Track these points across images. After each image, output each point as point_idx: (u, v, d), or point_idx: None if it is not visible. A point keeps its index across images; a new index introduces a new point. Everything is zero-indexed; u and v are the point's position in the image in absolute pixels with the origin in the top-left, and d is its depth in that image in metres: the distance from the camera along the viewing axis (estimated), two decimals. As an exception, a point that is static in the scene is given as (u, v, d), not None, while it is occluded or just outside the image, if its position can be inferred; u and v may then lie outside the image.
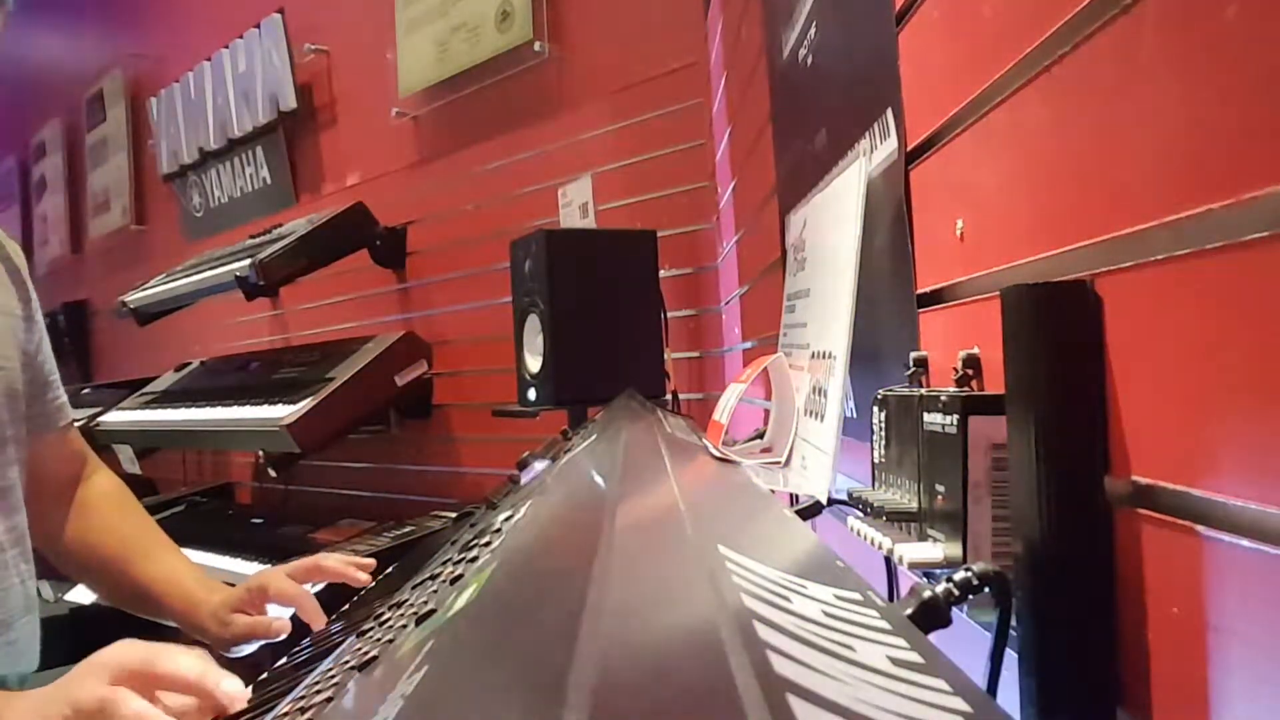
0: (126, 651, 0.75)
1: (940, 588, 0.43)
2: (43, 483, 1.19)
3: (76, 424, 1.31)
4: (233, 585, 2.06)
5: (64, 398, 1.26)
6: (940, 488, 0.57)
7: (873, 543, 0.65)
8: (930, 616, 0.42)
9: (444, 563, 0.76)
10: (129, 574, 1.22)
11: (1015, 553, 0.50)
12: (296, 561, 1.17)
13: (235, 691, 0.75)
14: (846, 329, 0.78)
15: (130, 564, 1.23)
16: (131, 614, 1.24)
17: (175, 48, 3.74)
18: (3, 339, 1.13)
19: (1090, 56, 0.49)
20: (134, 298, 3.13)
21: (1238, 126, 0.38)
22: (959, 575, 0.44)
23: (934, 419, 0.58)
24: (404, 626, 0.59)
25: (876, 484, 0.72)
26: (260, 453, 3.21)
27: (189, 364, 3.34)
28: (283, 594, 1.11)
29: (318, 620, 1.06)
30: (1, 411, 1.10)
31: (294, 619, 1.11)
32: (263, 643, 1.10)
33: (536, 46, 2.18)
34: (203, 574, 1.25)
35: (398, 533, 2.22)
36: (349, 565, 1.14)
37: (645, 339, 1.63)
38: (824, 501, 0.76)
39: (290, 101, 3.03)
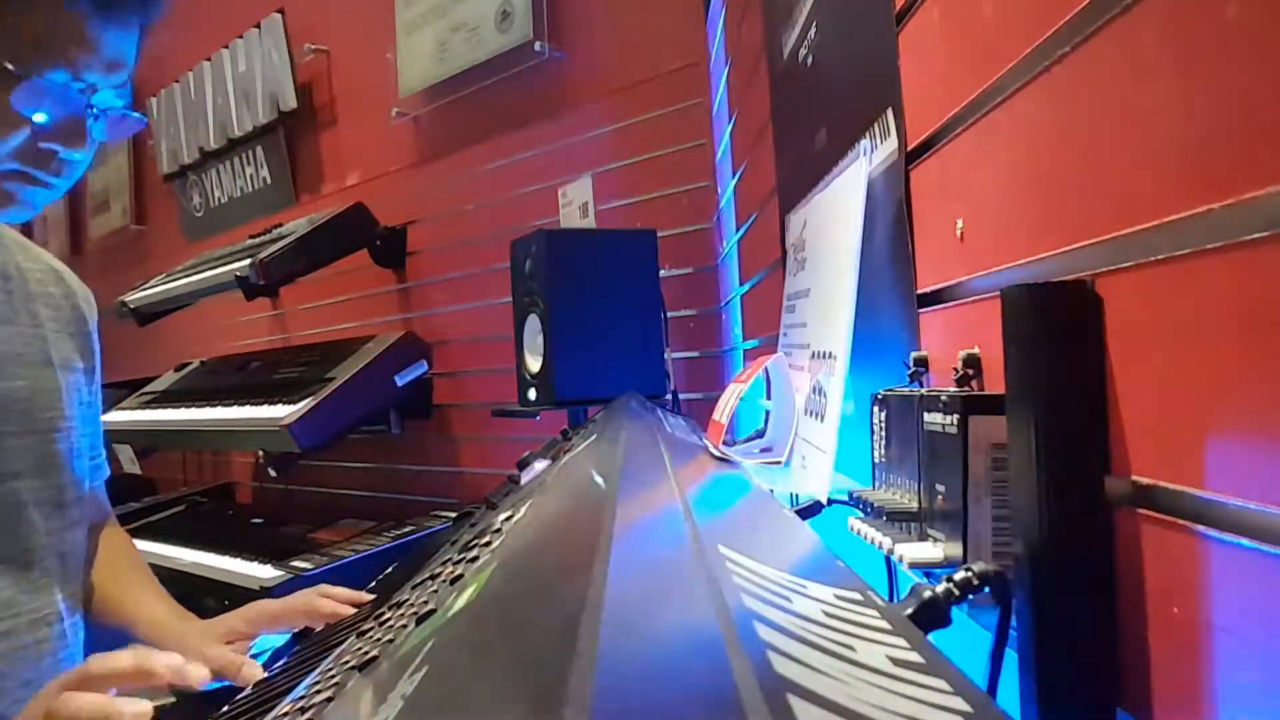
0: (62, 675, 0.77)
1: (940, 588, 0.43)
2: None
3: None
4: (232, 586, 2.07)
5: (103, 454, 1.21)
6: (940, 488, 0.57)
7: (873, 542, 0.65)
8: (930, 616, 0.42)
9: (444, 563, 0.76)
10: (106, 615, 1.18)
11: (1015, 553, 0.50)
12: (291, 599, 1.11)
13: (176, 662, 0.77)
14: (847, 329, 0.78)
15: (108, 605, 1.18)
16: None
17: (175, 47, 3.73)
18: (62, 397, 1.07)
19: (1090, 56, 0.49)
20: (134, 298, 3.13)
21: (1238, 126, 0.38)
22: (959, 575, 0.45)
23: (934, 419, 0.58)
24: (404, 626, 0.59)
25: (876, 484, 0.72)
26: (260, 453, 3.21)
27: (189, 364, 3.34)
28: (284, 615, 1.08)
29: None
30: (60, 474, 1.05)
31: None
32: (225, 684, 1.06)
33: (536, 46, 2.18)
34: (181, 610, 1.18)
35: (398, 533, 2.22)
36: (341, 606, 1.08)
37: (645, 339, 1.63)
38: (824, 501, 0.76)
39: (290, 101, 3.03)
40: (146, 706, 0.73)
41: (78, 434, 1.09)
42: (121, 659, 0.77)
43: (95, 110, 0.93)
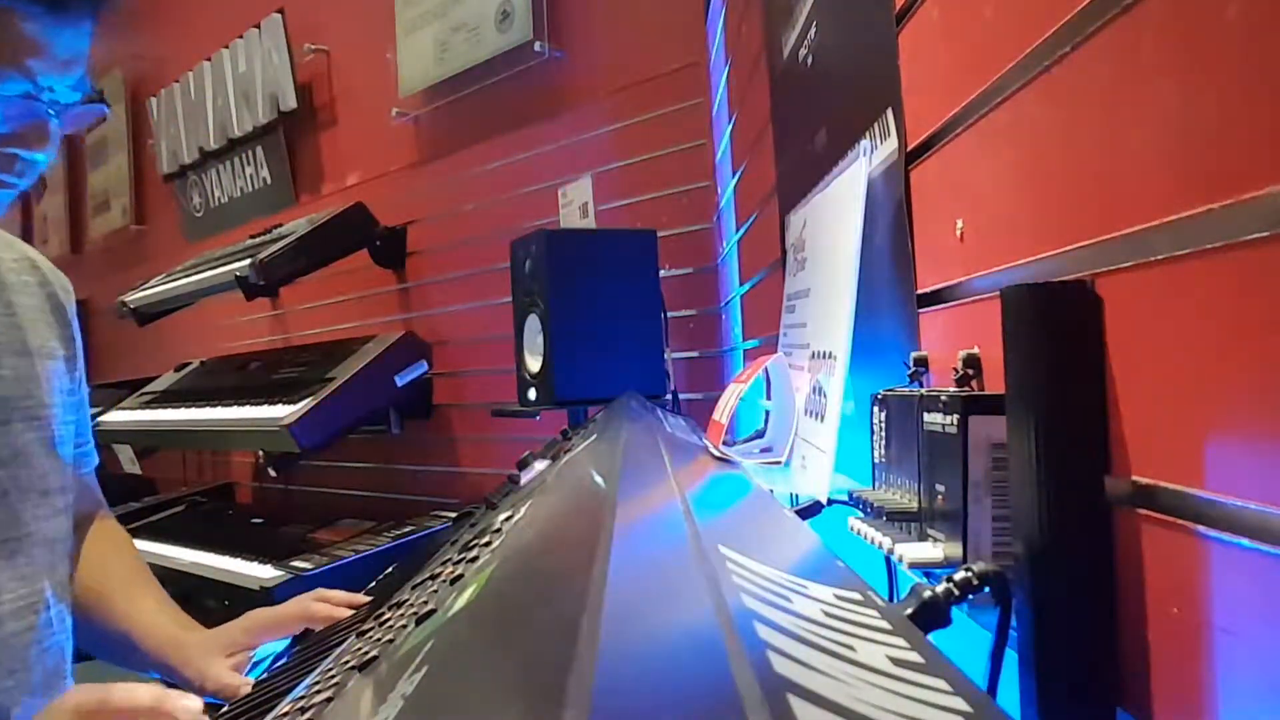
0: (82, 695, 0.77)
1: (940, 588, 0.43)
2: None
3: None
4: (232, 586, 2.07)
5: (91, 443, 1.20)
6: (940, 488, 0.57)
7: (873, 542, 0.65)
8: (930, 616, 0.42)
9: (444, 563, 0.76)
10: (100, 616, 1.15)
11: (1015, 553, 0.50)
12: (286, 606, 1.11)
13: (195, 707, 0.77)
14: (846, 329, 0.78)
15: (103, 606, 1.16)
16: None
17: (175, 48, 3.74)
18: (43, 384, 1.07)
19: (1090, 57, 0.49)
20: (134, 298, 3.13)
21: (1238, 126, 0.38)
22: (959, 575, 0.45)
23: (934, 419, 0.58)
24: (404, 626, 0.59)
25: (876, 484, 0.72)
26: (260, 453, 3.22)
27: (189, 364, 3.34)
28: (281, 623, 1.07)
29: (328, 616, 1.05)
30: (45, 461, 1.04)
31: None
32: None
33: (536, 46, 2.18)
34: (182, 614, 1.16)
35: (398, 533, 2.22)
36: (337, 608, 1.07)
37: (645, 339, 1.63)
38: (824, 501, 0.76)
39: (290, 101, 3.03)
40: None
41: (60, 421, 1.09)
42: (142, 695, 0.76)
43: (55, 109, 0.93)
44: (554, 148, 2.22)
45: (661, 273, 1.68)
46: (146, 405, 3.11)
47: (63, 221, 4.87)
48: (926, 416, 0.59)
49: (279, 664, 0.98)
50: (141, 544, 1.37)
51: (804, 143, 1.13)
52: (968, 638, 0.55)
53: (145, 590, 1.20)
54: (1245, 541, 0.38)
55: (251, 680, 0.98)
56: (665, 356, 1.65)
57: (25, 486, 1.02)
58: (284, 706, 0.65)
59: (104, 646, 1.17)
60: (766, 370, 1.07)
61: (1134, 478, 0.45)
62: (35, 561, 1.02)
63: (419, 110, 2.64)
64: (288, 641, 1.09)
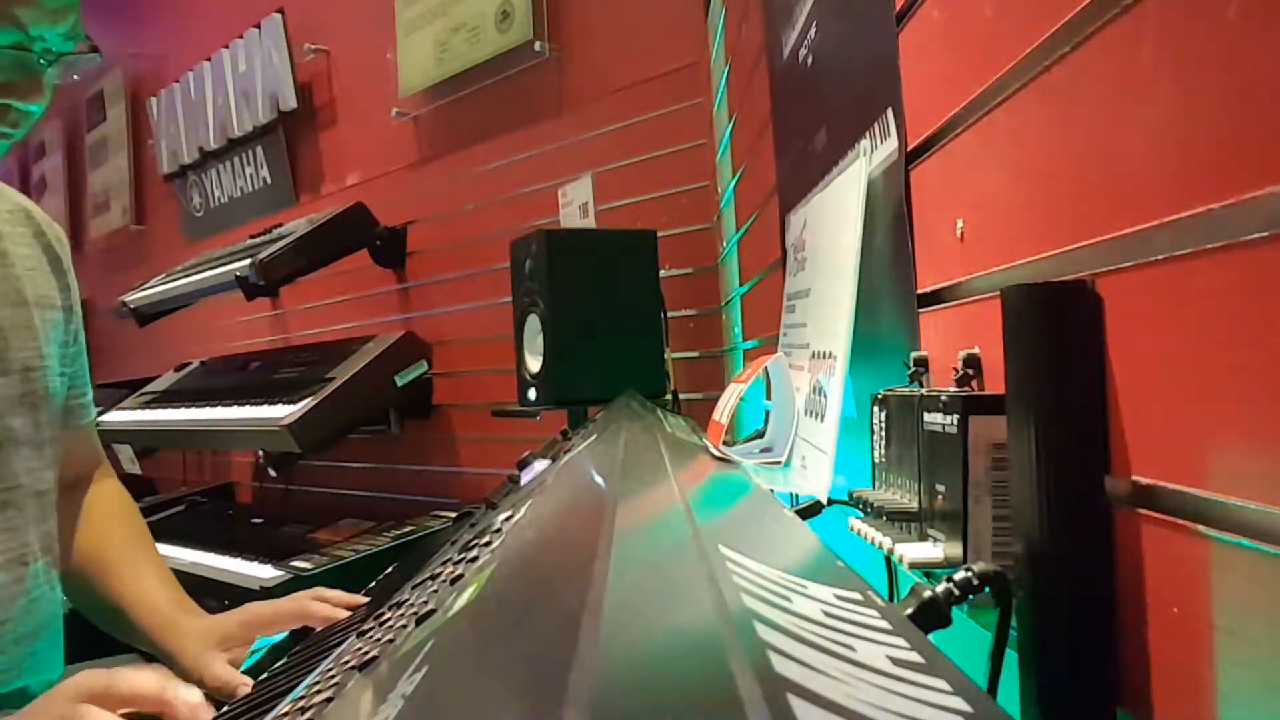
0: (87, 678, 0.77)
1: (940, 588, 0.43)
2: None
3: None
4: (232, 586, 2.07)
5: (90, 394, 1.20)
6: (940, 488, 0.57)
7: (873, 542, 0.65)
8: (930, 616, 0.42)
9: (444, 563, 0.76)
10: (100, 586, 1.15)
11: (1015, 553, 0.50)
12: (283, 602, 1.10)
13: (196, 701, 0.76)
14: (846, 329, 0.78)
15: (104, 576, 1.16)
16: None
17: (175, 47, 3.74)
18: (39, 334, 1.07)
19: (1090, 57, 0.49)
20: (134, 298, 3.13)
21: (1238, 126, 0.38)
22: (959, 575, 0.45)
23: (934, 419, 0.58)
24: (404, 626, 0.59)
25: (876, 484, 0.72)
26: (260, 453, 3.22)
27: (189, 364, 3.34)
28: (278, 620, 1.06)
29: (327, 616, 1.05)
30: (39, 412, 1.05)
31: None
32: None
33: (536, 46, 2.18)
34: (182, 595, 1.16)
35: (398, 533, 2.23)
36: (335, 610, 1.06)
37: (645, 339, 1.63)
38: (824, 501, 0.76)
39: (290, 101, 3.03)
40: None
41: (55, 373, 1.09)
42: (148, 685, 0.76)
43: (47, 59, 0.92)
44: (554, 148, 2.22)
45: (661, 273, 1.68)
46: (146, 405, 3.11)
47: (62, 221, 4.85)
48: (926, 416, 0.59)
49: (279, 664, 0.98)
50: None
51: (804, 143, 1.13)
52: (968, 638, 0.55)
53: (146, 563, 1.20)
54: (1245, 541, 0.38)
55: (249, 680, 0.98)
56: (665, 356, 1.65)
57: (19, 438, 1.02)
58: (284, 706, 0.65)
59: (101, 617, 1.17)
60: (766, 370, 1.07)
61: (1134, 478, 0.45)
62: (26, 512, 1.02)
63: (419, 110, 2.64)
64: (285, 635, 1.09)
